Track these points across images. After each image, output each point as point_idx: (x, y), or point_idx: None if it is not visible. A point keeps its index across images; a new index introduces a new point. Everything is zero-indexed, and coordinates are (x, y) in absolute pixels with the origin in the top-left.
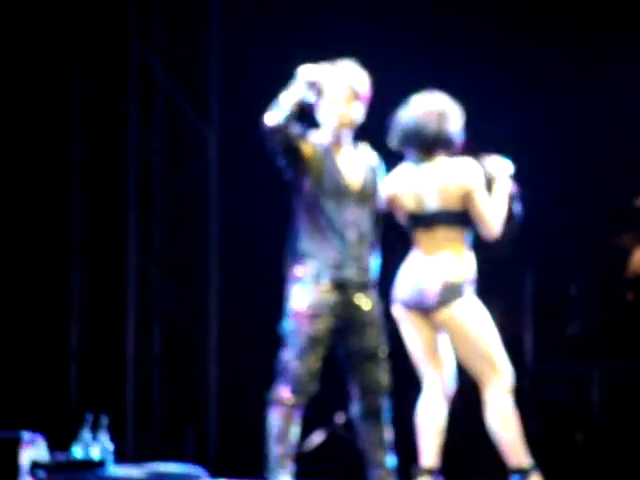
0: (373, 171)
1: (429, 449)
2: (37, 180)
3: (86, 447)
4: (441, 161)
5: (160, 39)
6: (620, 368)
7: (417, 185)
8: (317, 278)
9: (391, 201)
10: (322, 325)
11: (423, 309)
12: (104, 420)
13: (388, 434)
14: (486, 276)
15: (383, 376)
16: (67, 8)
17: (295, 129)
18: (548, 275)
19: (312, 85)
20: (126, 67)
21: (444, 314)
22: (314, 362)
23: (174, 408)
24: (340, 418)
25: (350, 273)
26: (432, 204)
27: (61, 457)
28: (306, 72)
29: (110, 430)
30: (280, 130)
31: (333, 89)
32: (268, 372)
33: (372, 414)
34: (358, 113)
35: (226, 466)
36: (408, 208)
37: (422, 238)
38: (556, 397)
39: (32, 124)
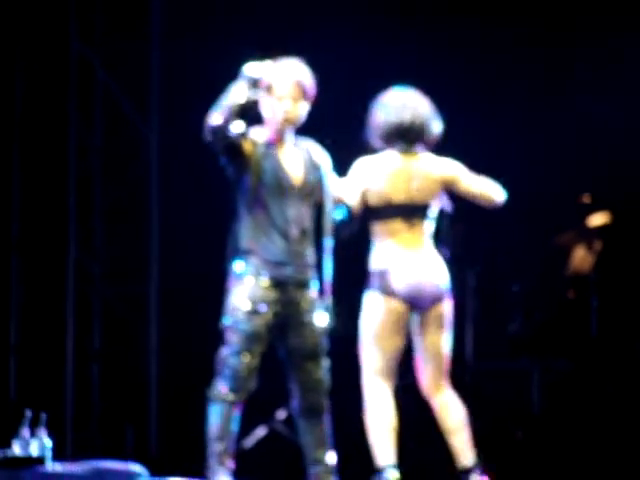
0: (316, 167)
1: (386, 447)
2: None
3: (25, 444)
4: (424, 156)
5: (100, 38)
6: (560, 366)
7: (407, 178)
8: (257, 275)
9: (377, 190)
10: (260, 321)
11: (420, 304)
12: (43, 417)
13: (328, 432)
14: None
15: (323, 374)
16: (7, 5)
17: (237, 127)
18: (490, 273)
19: (256, 83)
20: (66, 66)
21: (440, 310)
22: (252, 358)
23: (114, 405)
24: (281, 415)
25: (290, 270)
26: (421, 198)
27: None
28: (250, 69)
29: (49, 427)
30: (222, 129)
31: (280, 86)
32: (208, 369)
33: (312, 412)
34: (303, 111)
35: (166, 464)
36: (394, 199)
37: (401, 230)
38: (496, 395)
39: None
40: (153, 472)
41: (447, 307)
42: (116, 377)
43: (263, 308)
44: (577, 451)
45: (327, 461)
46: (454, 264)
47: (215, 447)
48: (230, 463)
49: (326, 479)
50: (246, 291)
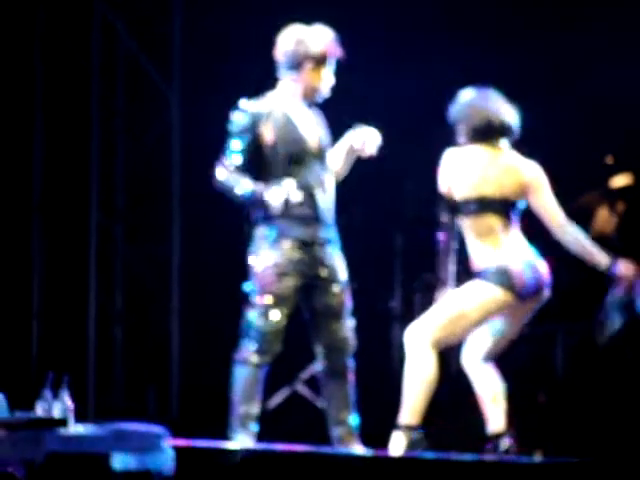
0: (325, 128)
1: (416, 407)
2: None
3: (47, 406)
4: (508, 152)
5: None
6: (583, 329)
7: (497, 173)
8: (282, 236)
9: (468, 183)
10: (288, 283)
11: (525, 297)
12: (65, 378)
13: (352, 393)
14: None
15: (348, 334)
16: None
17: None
18: None
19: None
20: (89, 27)
21: (535, 303)
22: (279, 321)
23: (136, 367)
24: (303, 377)
25: (315, 230)
26: (511, 193)
27: (22, 416)
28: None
29: (71, 389)
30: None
31: (331, 58)
32: (230, 330)
33: (336, 373)
34: None
35: (188, 426)
36: (488, 193)
37: (497, 225)
38: (519, 358)
39: None
40: (175, 434)
41: (543, 299)
42: (138, 339)
43: (289, 269)
44: (600, 414)
45: (350, 422)
46: None
47: (239, 409)
48: (253, 426)
49: (348, 440)
50: (272, 253)
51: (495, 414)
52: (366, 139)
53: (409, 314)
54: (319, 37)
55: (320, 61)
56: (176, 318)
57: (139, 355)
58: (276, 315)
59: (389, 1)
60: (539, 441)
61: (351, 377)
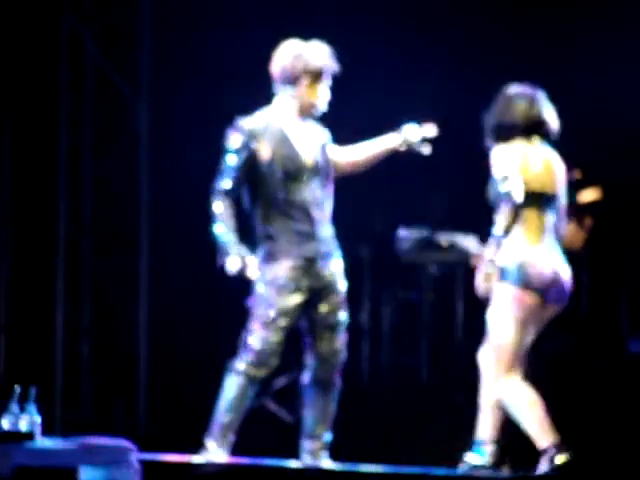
0: (323, 146)
1: (546, 427)
2: None
3: (14, 419)
4: (546, 149)
5: (91, 10)
6: (554, 341)
7: (544, 167)
8: (284, 254)
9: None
10: (290, 299)
11: (552, 301)
12: (32, 392)
13: (332, 410)
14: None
15: (341, 347)
16: None
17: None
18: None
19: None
20: (57, 38)
21: (558, 307)
22: (279, 336)
23: (103, 381)
24: (271, 390)
25: (315, 245)
26: (556, 188)
27: None
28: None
29: (38, 402)
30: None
31: (327, 75)
32: (198, 345)
33: (322, 385)
34: None
35: (155, 440)
36: (542, 187)
37: (534, 220)
38: None
39: None
40: (142, 448)
41: (561, 307)
42: (105, 353)
43: (293, 288)
44: (570, 425)
45: (324, 438)
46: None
47: (223, 418)
48: (231, 436)
49: (319, 455)
50: (274, 269)
51: (485, 422)
52: (422, 135)
53: (377, 327)
54: (316, 52)
55: (317, 76)
56: (144, 332)
57: (106, 369)
58: (275, 330)
59: None
60: (507, 454)
61: (336, 392)
